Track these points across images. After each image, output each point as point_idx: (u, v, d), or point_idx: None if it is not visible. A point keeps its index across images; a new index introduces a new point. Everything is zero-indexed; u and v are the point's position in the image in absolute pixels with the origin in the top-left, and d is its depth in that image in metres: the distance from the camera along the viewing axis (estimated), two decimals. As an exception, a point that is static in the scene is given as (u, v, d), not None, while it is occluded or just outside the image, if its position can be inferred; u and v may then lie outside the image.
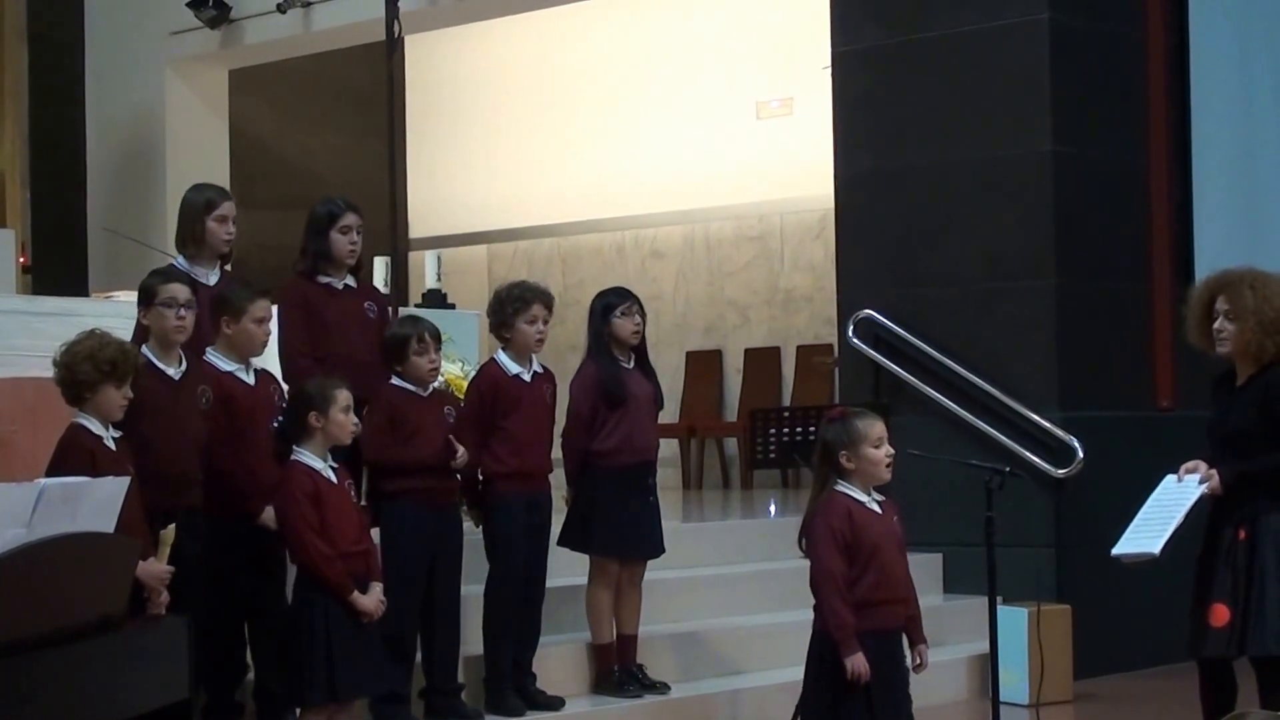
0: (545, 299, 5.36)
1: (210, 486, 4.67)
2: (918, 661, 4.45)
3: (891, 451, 4.38)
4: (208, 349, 4.81)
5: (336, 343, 5.20)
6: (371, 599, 4.58)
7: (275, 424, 4.73)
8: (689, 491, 9.93)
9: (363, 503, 4.99)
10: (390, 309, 5.68)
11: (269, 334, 4.86)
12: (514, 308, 5.30)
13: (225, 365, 4.79)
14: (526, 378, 5.35)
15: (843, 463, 4.33)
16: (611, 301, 5.55)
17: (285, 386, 4.97)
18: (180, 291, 4.61)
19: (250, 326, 4.77)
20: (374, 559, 4.66)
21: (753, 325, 10.53)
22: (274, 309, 4.93)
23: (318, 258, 5.25)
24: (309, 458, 4.58)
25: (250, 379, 4.83)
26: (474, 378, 5.58)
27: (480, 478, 5.32)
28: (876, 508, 4.37)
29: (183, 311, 4.59)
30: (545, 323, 5.35)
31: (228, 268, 5.27)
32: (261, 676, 4.86)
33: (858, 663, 4.25)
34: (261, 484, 4.69)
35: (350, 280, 5.33)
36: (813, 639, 4.41)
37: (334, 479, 4.61)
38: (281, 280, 5.52)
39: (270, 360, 5.15)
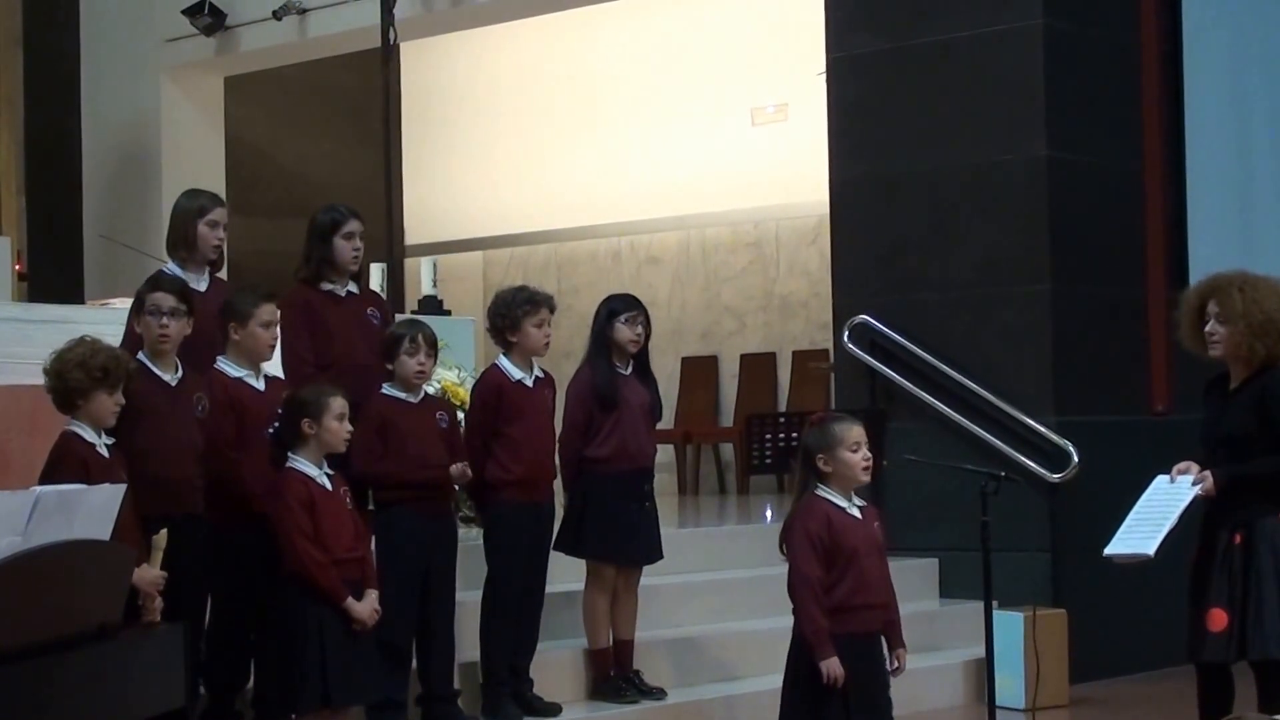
0: (550, 303, 5.38)
1: (218, 492, 4.68)
2: (896, 665, 4.45)
3: (869, 455, 4.39)
4: (219, 357, 4.83)
5: (340, 349, 5.21)
6: (365, 607, 4.57)
7: (270, 430, 4.73)
8: (685, 497, 9.93)
9: (370, 507, 4.98)
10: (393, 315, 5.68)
11: (276, 338, 4.87)
12: (522, 310, 5.30)
13: (234, 372, 4.81)
14: (529, 383, 5.35)
15: (820, 466, 4.35)
16: (616, 308, 5.55)
17: None
18: (164, 300, 4.60)
19: (257, 330, 4.79)
20: (370, 566, 4.66)
21: (748, 331, 10.53)
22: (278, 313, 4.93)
23: (321, 264, 5.26)
24: (303, 464, 4.59)
25: (260, 385, 4.84)
26: (476, 384, 5.57)
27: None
28: (856, 513, 4.39)
29: (165, 320, 4.58)
30: (550, 326, 5.36)
31: (219, 274, 5.27)
32: (260, 685, 4.86)
33: (832, 666, 4.26)
34: (270, 488, 4.69)
35: (353, 287, 5.35)
36: (791, 644, 4.42)
37: (329, 486, 4.61)
38: (280, 285, 5.52)
39: (276, 367, 5.15)
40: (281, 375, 5.07)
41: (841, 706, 4.28)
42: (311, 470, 4.59)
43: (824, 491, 4.37)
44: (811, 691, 4.30)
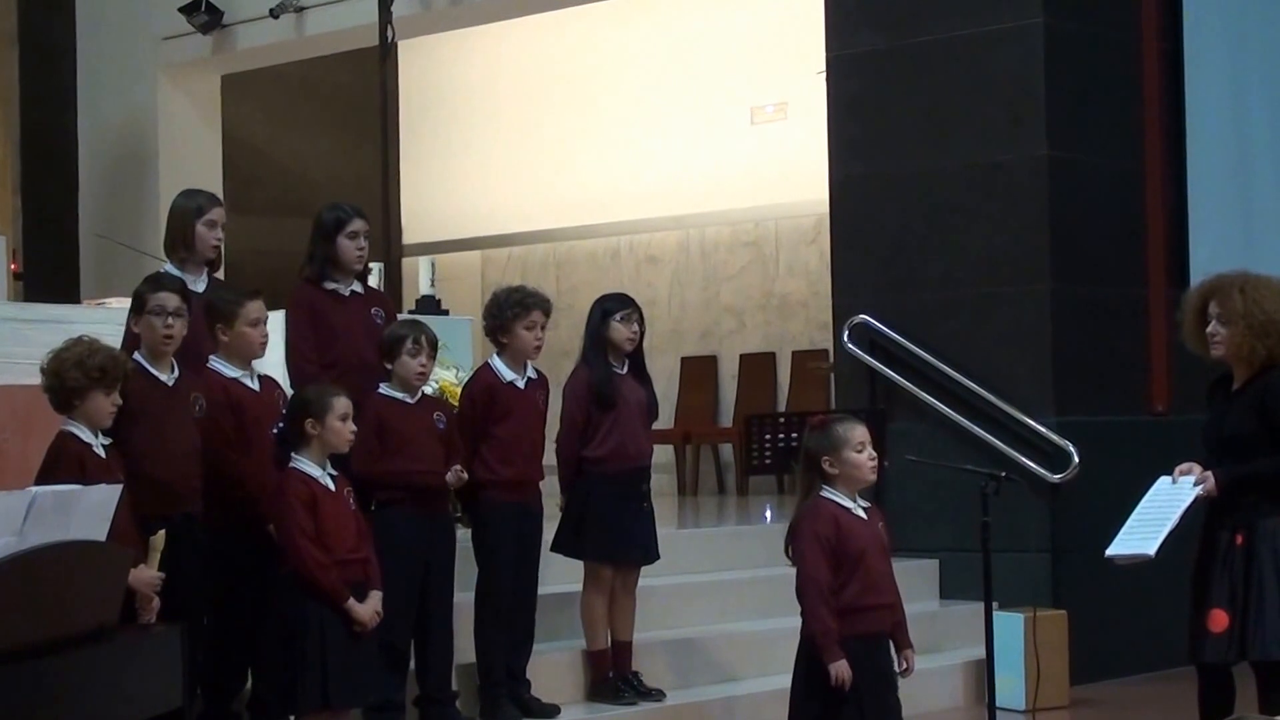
0: (544, 306, 5.35)
1: (216, 493, 4.66)
2: (904, 666, 4.44)
3: (875, 455, 4.38)
4: (211, 357, 4.80)
5: (343, 349, 5.19)
6: (367, 608, 4.54)
7: (275, 430, 4.71)
8: (684, 498, 9.92)
9: (372, 508, 4.96)
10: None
11: (266, 335, 4.85)
12: (513, 313, 5.29)
13: (230, 372, 4.80)
14: (520, 384, 5.33)
15: (826, 468, 4.34)
16: (611, 307, 5.53)
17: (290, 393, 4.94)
18: (169, 300, 4.59)
19: (246, 330, 4.77)
20: (373, 567, 4.63)
21: (748, 330, 10.52)
22: (267, 310, 4.91)
23: (325, 264, 5.25)
24: (306, 464, 4.56)
25: (255, 385, 4.83)
26: (467, 383, 5.57)
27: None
28: (862, 514, 4.38)
29: (170, 320, 4.57)
30: (543, 329, 5.34)
31: (217, 274, 5.25)
32: (258, 686, 4.84)
33: (841, 669, 4.25)
34: (269, 489, 4.67)
35: (357, 286, 5.33)
36: (800, 646, 4.41)
37: (331, 486, 4.58)
38: (278, 284, 5.51)
39: (273, 366, 5.13)
40: (274, 375, 5.05)
41: (856, 708, 4.28)
42: (314, 470, 4.56)
43: (829, 493, 4.36)
44: (822, 695, 4.28)
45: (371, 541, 4.67)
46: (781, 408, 10.09)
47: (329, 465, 4.61)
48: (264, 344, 4.84)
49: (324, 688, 4.47)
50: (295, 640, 4.48)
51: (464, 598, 5.28)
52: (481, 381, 5.37)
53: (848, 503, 4.37)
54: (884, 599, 4.39)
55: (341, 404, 4.58)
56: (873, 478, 4.39)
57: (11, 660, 3.38)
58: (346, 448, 4.65)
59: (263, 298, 4.87)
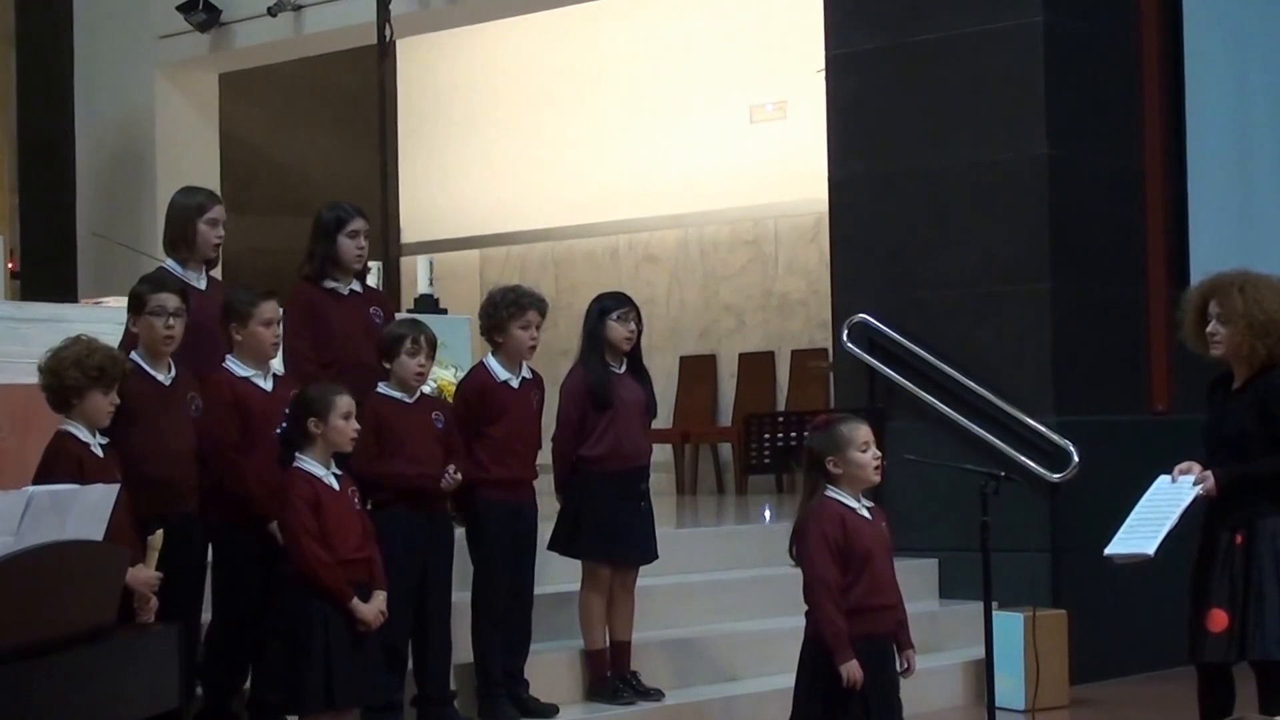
0: (540, 306, 5.34)
1: (221, 493, 4.66)
2: (905, 666, 4.44)
3: (879, 454, 4.37)
4: (228, 356, 4.80)
5: (341, 348, 5.19)
6: (371, 608, 4.53)
7: (279, 430, 4.70)
8: (683, 497, 9.91)
9: (369, 506, 4.95)
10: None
11: (279, 336, 4.85)
12: (508, 312, 5.28)
13: (241, 371, 4.79)
14: (514, 384, 5.32)
15: (830, 469, 4.33)
16: (608, 305, 5.52)
17: None
18: (169, 300, 4.58)
19: (258, 330, 4.77)
20: (377, 567, 4.62)
21: (747, 329, 10.51)
22: (281, 311, 4.91)
23: (324, 262, 5.24)
24: (310, 464, 4.55)
25: (267, 385, 4.81)
26: (461, 382, 5.56)
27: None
28: (866, 514, 4.38)
29: (171, 320, 4.56)
30: (539, 329, 5.33)
31: (214, 273, 5.25)
32: (258, 686, 4.83)
33: (853, 670, 4.24)
34: (274, 490, 4.66)
35: (356, 285, 5.33)
36: (804, 647, 4.40)
37: (336, 486, 4.57)
38: (275, 283, 5.50)
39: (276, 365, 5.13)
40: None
41: (861, 708, 4.27)
42: (318, 470, 4.55)
43: (834, 493, 4.35)
44: (829, 696, 4.28)
45: (375, 541, 4.66)
46: (781, 407, 10.08)
47: (333, 465, 4.60)
48: (276, 344, 4.84)
49: (328, 688, 4.46)
50: (299, 640, 4.47)
51: (462, 597, 5.27)
52: (475, 381, 5.36)
53: (852, 503, 4.36)
54: (889, 599, 4.39)
55: (344, 403, 4.57)
56: (877, 478, 4.38)
57: (9, 660, 3.36)
58: (350, 447, 4.64)
59: (277, 298, 4.86)
